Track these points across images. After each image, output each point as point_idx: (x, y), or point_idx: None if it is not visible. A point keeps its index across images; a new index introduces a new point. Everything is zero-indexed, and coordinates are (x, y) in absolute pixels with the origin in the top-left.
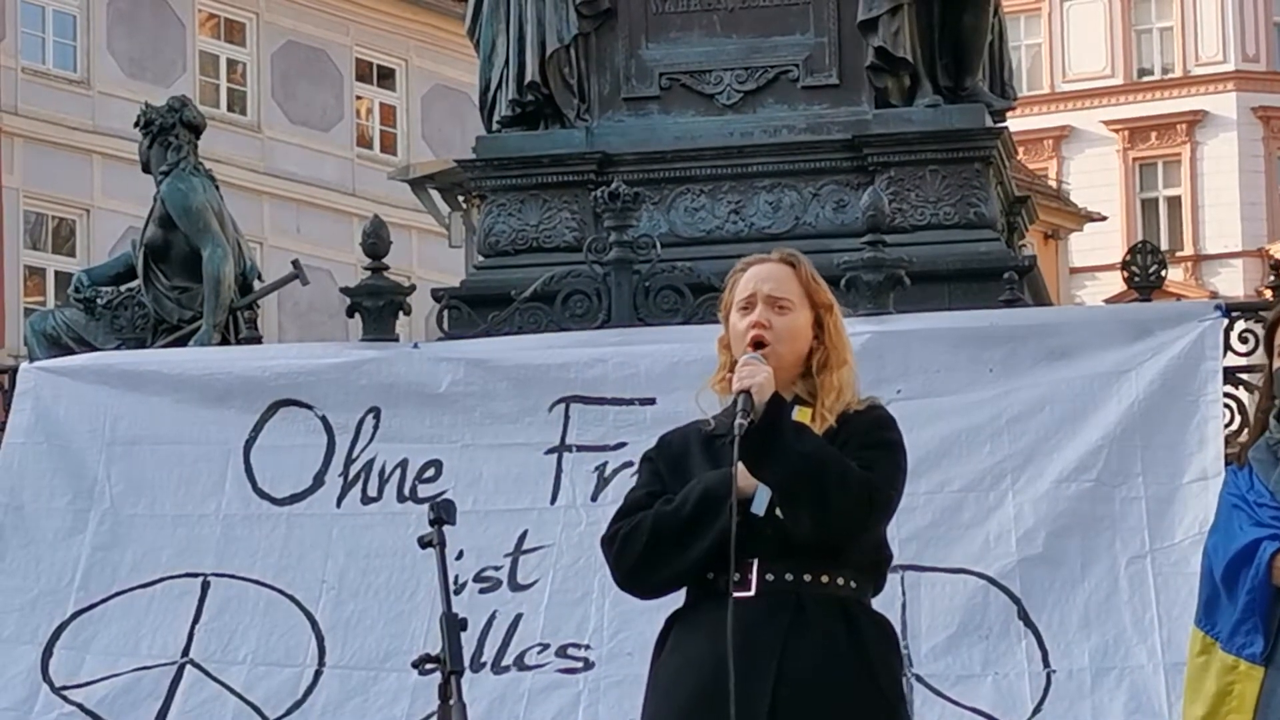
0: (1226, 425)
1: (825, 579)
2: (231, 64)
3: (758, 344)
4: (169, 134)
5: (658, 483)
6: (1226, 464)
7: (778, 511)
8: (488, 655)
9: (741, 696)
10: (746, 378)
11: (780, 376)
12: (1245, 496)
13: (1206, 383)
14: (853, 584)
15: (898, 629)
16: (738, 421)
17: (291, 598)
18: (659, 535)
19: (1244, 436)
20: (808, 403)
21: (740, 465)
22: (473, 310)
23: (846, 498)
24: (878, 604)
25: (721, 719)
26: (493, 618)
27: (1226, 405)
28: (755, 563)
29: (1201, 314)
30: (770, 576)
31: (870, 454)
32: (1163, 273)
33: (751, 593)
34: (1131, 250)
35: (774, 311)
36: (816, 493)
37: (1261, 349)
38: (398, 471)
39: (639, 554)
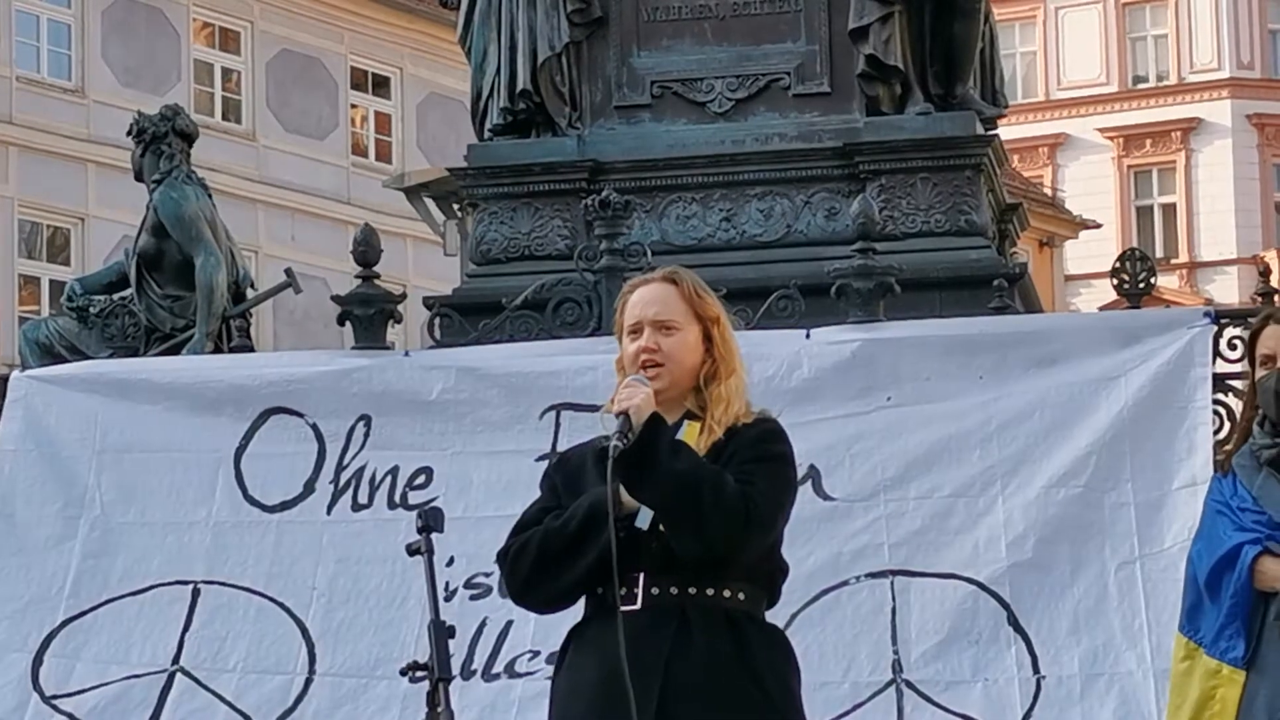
0: (1216, 432)
1: (711, 591)
2: (226, 72)
3: (648, 370)
4: (161, 142)
5: (553, 498)
6: (1214, 471)
7: (661, 526)
8: (478, 662)
9: (627, 711)
10: (625, 400)
11: (674, 394)
12: (1229, 502)
13: (1195, 389)
14: (741, 595)
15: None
16: (613, 444)
17: (282, 605)
18: (546, 551)
19: (1232, 444)
20: (699, 417)
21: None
22: (464, 318)
23: (721, 516)
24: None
25: None
26: (483, 625)
27: (1216, 412)
28: (641, 576)
29: (1191, 321)
30: (656, 590)
31: (753, 468)
32: (1152, 280)
33: (637, 606)
34: (1121, 258)
35: (661, 334)
36: (691, 512)
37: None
38: (388, 479)
39: (528, 570)
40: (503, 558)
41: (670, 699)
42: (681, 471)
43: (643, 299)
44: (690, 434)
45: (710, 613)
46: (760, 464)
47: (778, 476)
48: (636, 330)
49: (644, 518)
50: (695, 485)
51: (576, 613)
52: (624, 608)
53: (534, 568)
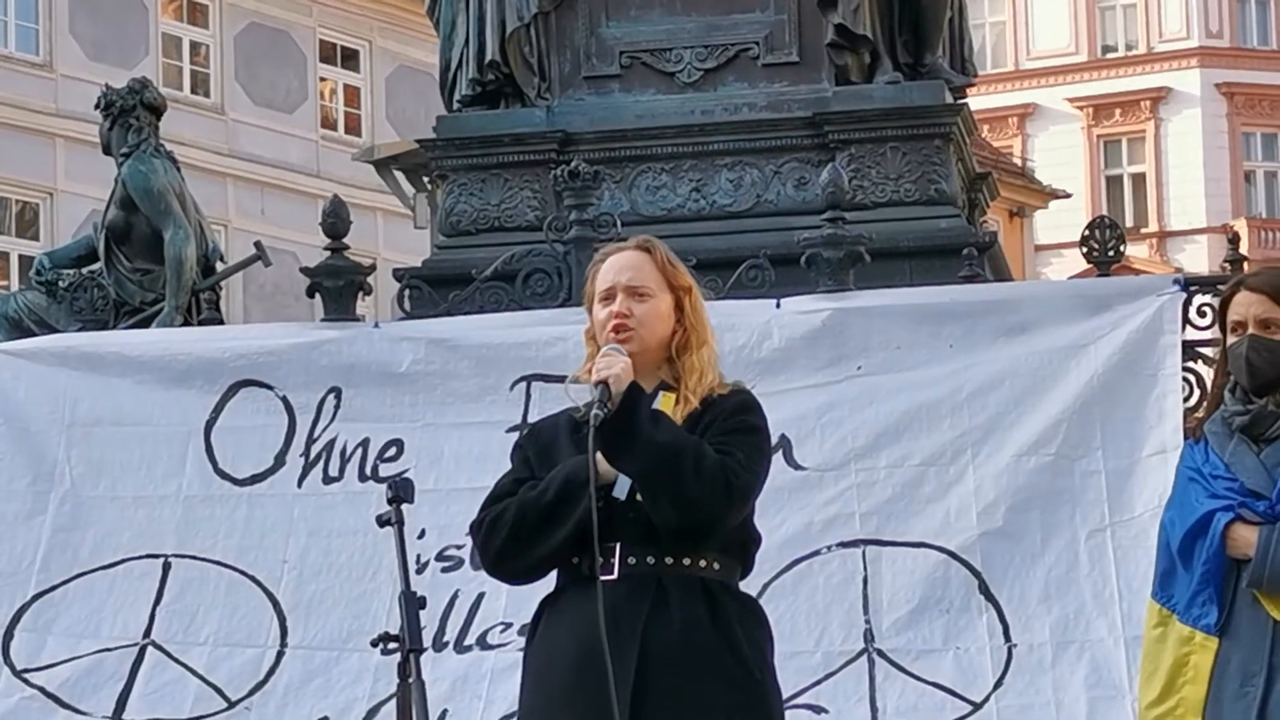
0: (1185, 399)
1: (687, 561)
2: (194, 46)
3: (620, 334)
4: (129, 116)
5: (526, 470)
6: (1185, 438)
7: (638, 495)
8: (450, 634)
9: (606, 679)
10: (604, 369)
11: (645, 363)
12: (1201, 469)
13: (1165, 357)
14: (716, 565)
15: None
16: (593, 412)
17: (253, 578)
18: (522, 521)
19: (1203, 411)
20: (673, 388)
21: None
22: (434, 290)
23: (702, 485)
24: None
25: (591, 703)
26: (455, 597)
27: (1185, 379)
28: (618, 546)
29: (1160, 288)
30: (632, 560)
31: (730, 439)
32: (1121, 248)
33: (614, 576)
34: (1090, 226)
35: (634, 300)
36: (672, 481)
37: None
38: (359, 451)
39: (503, 540)
40: (476, 529)
41: (647, 669)
42: (662, 441)
43: (615, 265)
44: (665, 404)
45: (686, 582)
46: (737, 435)
47: (754, 448)
48: (609, 296)
49: (621, 487)
50: (676, 455)
51: (548, 584)
52: (601, 577)
53: (509, 538)
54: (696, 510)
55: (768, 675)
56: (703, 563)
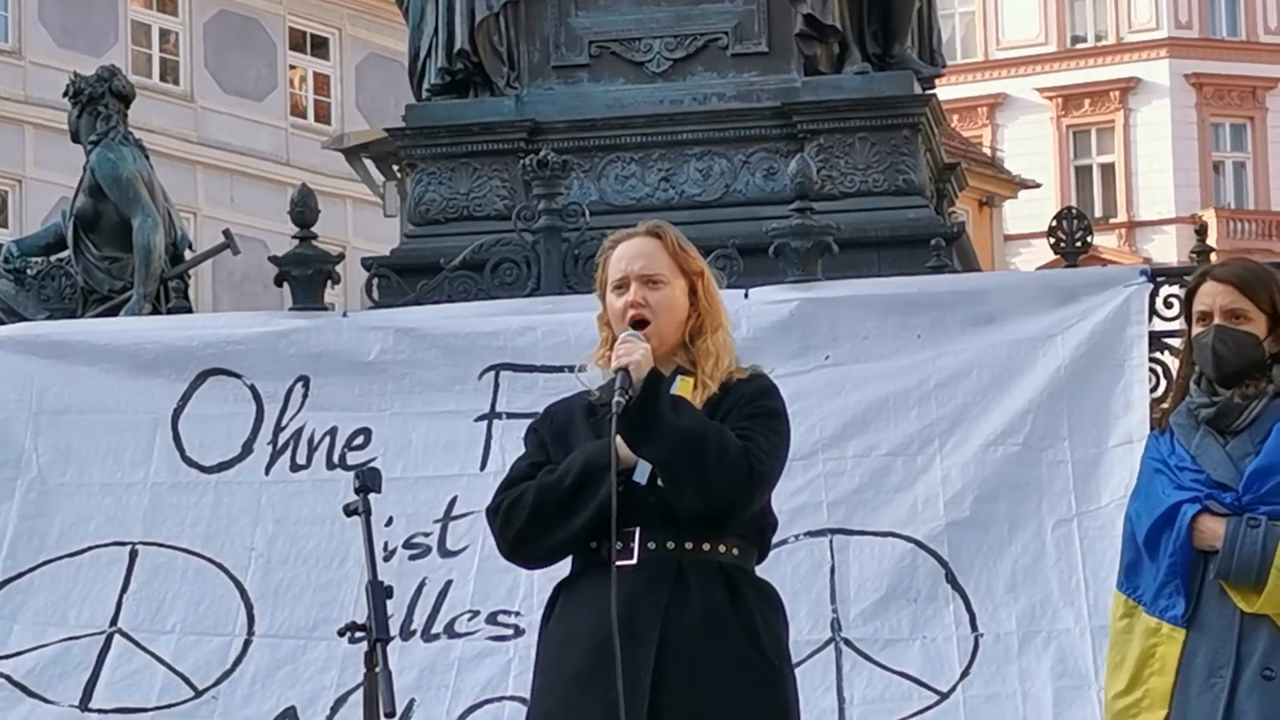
0: (1152, 390)
1: (707, 546)
2: (164, 34)
3: (638, 324)
4: (98, 103)
5: (542, 453)
6: (1150, 429)
7: (659, 480)
8: (418, 623)
9: (625, 664)
10: (624, 355)
11: (663, 350)
12: (1167, 461)
13: (1132, 347)
14: (735, 551)
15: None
16: (615, 399)
17: (220, 566)
18: (541, 506)
19: (1168, 402)
20: (690, 372)
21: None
22: (402, 279)
23: (725, 471)
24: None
25: (607, 688)
26: (422, 585)
27: (1152, 370)
28: (637, 531)
29: (1127, 279)
30: (652, 545)
31: (751, 424)
32: (1089, 238)
33: (633, 561)
34: (1057, 216)
35: (648, 288)
36: (695, 467)
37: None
38: (327, 439)
39: (522, 525)
40: (493, 513)
41: (666, 654)
42: (685, 427)
43: (627, 253)
44: (684, 389)
45: (706, 568)
46: (757, 420)
47: (775, 432)
48: (622, 285)
49: (641, 472)
50: (699, 441)
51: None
52: (620, 562)
53: (528, 523)
54: (720, 496)
55: (785, 661)
56: (722, 548)
